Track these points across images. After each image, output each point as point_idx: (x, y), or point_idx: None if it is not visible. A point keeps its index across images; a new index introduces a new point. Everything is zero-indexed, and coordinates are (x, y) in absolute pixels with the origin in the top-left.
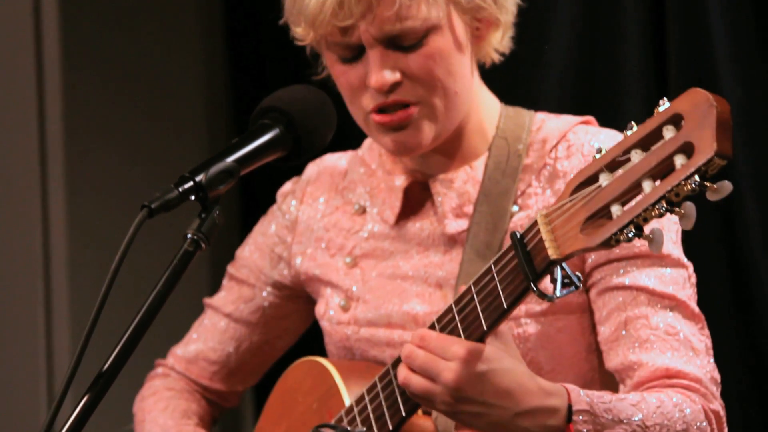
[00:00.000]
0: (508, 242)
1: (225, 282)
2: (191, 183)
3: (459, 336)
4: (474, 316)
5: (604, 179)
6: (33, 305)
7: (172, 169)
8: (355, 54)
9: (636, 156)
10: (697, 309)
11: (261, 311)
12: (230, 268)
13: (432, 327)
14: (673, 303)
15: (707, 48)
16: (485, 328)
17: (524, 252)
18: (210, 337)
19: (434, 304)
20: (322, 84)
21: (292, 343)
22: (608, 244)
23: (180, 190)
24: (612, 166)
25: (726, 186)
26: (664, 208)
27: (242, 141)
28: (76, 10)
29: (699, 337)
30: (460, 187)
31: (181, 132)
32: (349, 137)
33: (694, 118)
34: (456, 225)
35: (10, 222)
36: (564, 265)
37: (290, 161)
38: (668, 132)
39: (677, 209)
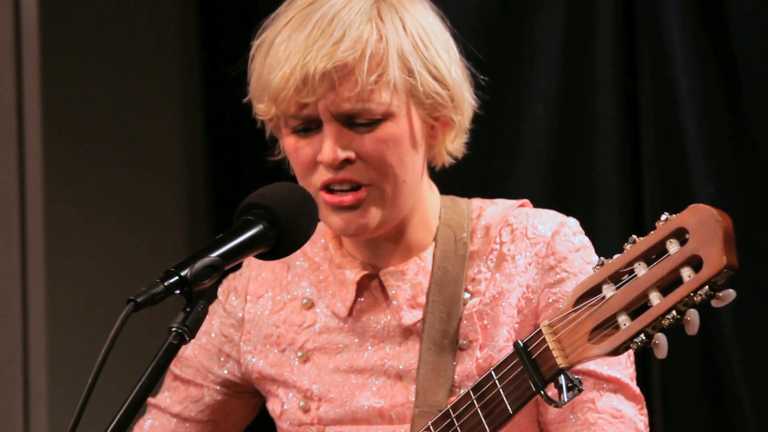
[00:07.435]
0: (463, 329)
1: (168, 381)
2: (176, 278)
3: None
4: (476, 421)
5: (607, 290)
6: (12, 400)
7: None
8: (310, 128)
9: (640, 268)
10: (637, 390)
11: (210, 409)
12: (173, 368)
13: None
14: (616, 386)
15: (680, 147)
16: None
17: (530, 360)
18: None
19: (396, 397)
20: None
21: None
22: (617, 351)
23: (165, 284)
24: (614, 277)
25: (730, 294)
26: (673, 317)
27: (226, 237)
28: (56, 131)
29: (639, 417)
30: (412, 278)
31: (161, 227)
32: None
33: (700, 232)
34: (411, 316)
35: None
36: (568, 372)
37: (274, 256)
38: (672, 245)
39: (684, 318)
